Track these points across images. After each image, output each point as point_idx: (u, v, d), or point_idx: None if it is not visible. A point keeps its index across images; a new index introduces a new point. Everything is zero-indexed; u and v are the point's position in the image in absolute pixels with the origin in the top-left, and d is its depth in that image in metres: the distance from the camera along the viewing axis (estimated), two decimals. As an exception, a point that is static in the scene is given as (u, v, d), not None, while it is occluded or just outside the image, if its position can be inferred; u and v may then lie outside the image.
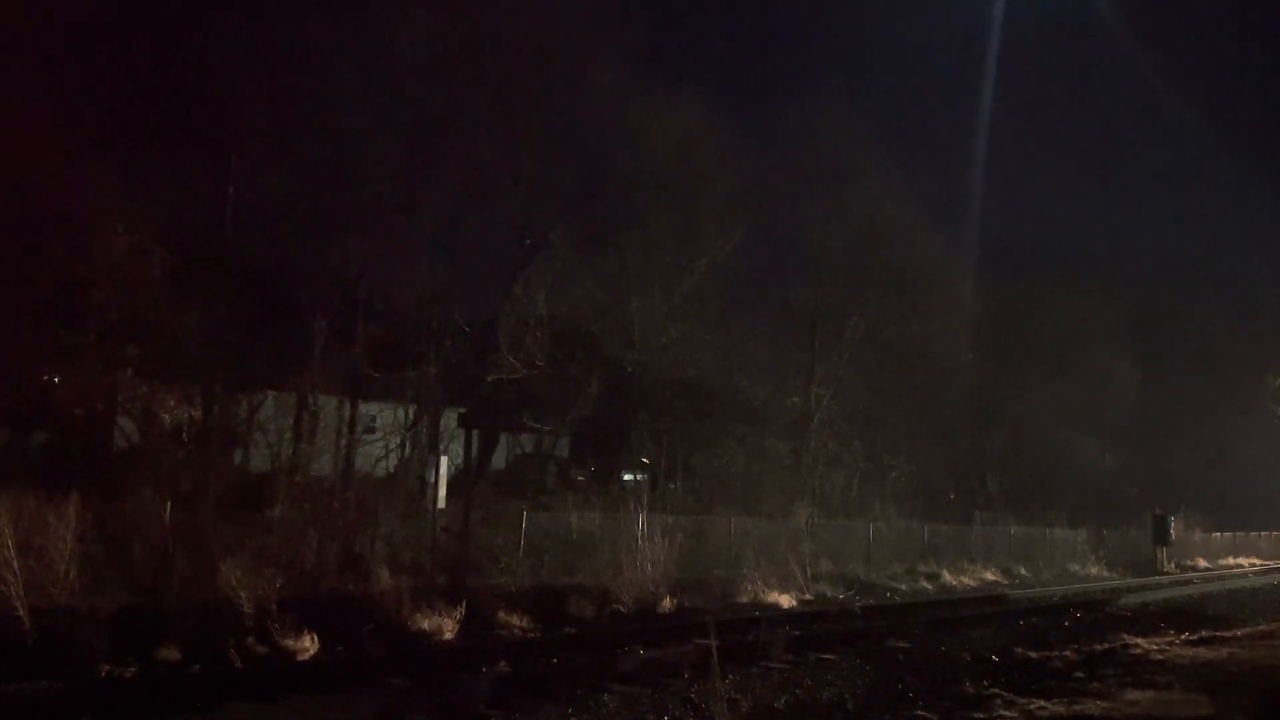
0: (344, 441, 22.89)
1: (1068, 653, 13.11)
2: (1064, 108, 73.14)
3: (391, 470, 23.80)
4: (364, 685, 10.38)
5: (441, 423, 25.37)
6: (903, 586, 24.17)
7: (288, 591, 13.35)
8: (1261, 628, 16.57)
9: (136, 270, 19.48)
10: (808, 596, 20.44)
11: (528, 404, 26.56)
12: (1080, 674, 11.46)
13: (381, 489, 20.97)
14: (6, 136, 17.86)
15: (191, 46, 21.15)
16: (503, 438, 29.62)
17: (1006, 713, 9.30)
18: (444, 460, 17.84)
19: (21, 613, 11.45)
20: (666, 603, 17.22)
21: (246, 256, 21.64)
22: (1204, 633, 15.28)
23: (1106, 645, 13.80)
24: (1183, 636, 14.86)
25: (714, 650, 9.65)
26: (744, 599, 18.95)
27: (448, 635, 13.63)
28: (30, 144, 17.83)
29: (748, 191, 28.32)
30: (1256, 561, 42.78)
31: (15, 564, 11.75)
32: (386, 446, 24.27)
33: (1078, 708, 9.33)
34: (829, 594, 21.31)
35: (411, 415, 24.49)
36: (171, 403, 19.36)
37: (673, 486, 26.16)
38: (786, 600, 19.28)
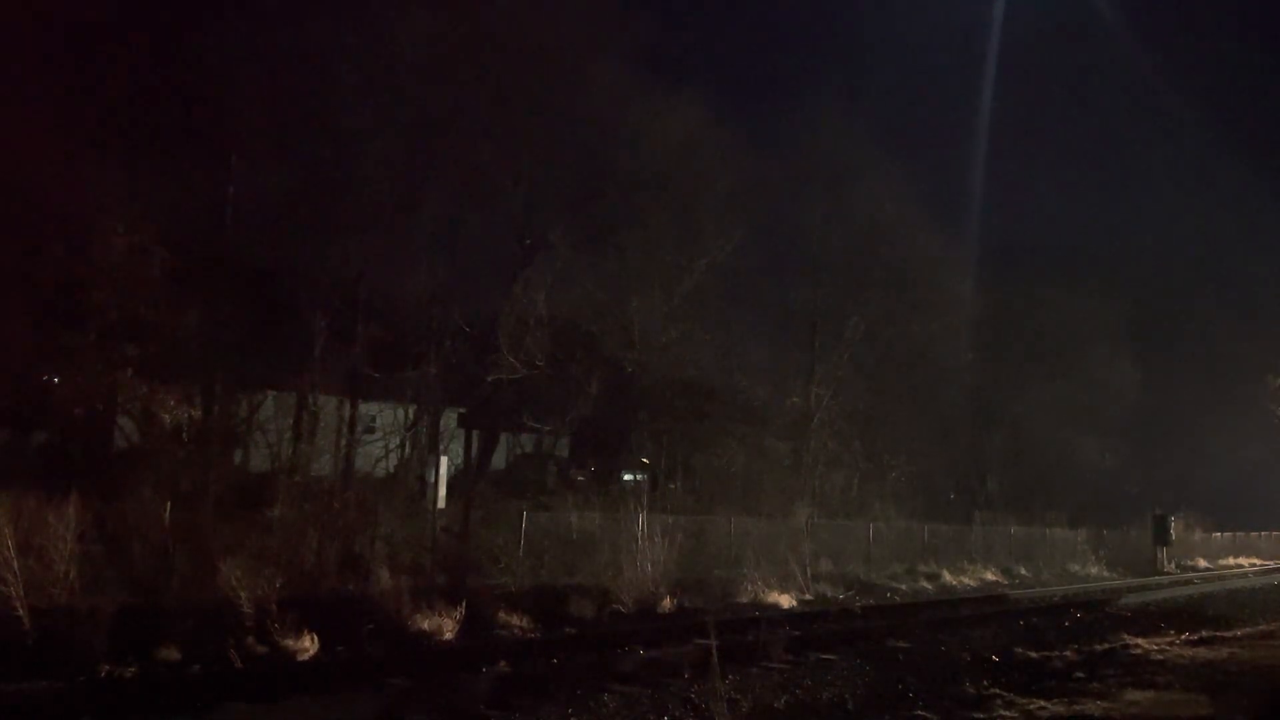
0: (344, 441, 22.91)
1: (1068, 653, 13.11)
2: (1064, 108, 73.22)
3: (391, 470, 23.80)
4: (364, 685, 10.38)
5: (441, 423, 25.39)
6: (903, 586, 24.16)
7: (288, 591, 13.34)
8: (1261, 628, 16.57)
9: (136, 270, 19.48)
10: (808, 596, 20.43)
11: (528, 404, 26.57)
12: (1080, 674, 11.46)
13: (381, 489, 20.97)
14: (6, 136, 17.86)
15: (191, 46, 21.15)
16: (503, 438, 29.64)
17: (1006, 713, 9.31)
18: (444, 460, 17.85)
19: (21, 613, 11.45)
20: (666, 603, 17.21)
21: (246, 256, 21.64)
22: (1204, 633, 15.28)
23: (1107, 645, 13.80)
24: (1183, 636, 14.86)
25: (714, 650, 9.65)
26: (744, 599, 18.93)
27: (448, 635, 13.62)
28: (30, 144, 17.82)
29: (748, 191, 28.35)
30: (1256, 561, 42.76)
31: (15, 564, 11.75)
32: (386, 446, 24.28)
33: (1078, 708, 9.33)
34: (829, 594, 21.31)
35: (411, 415, 24.50)
36: (171, 403, 19.35)
37: (673, 486, 26.16)
38: (786, 600, 19.27)
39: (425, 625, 13.68)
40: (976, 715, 9.36)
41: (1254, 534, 47.65)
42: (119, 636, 11.13)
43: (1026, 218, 57.07)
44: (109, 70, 20.18)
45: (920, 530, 29.20)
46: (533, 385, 24.83)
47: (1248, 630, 15.99)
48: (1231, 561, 41.38)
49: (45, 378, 20.36)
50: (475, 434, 29.01)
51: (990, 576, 28.13)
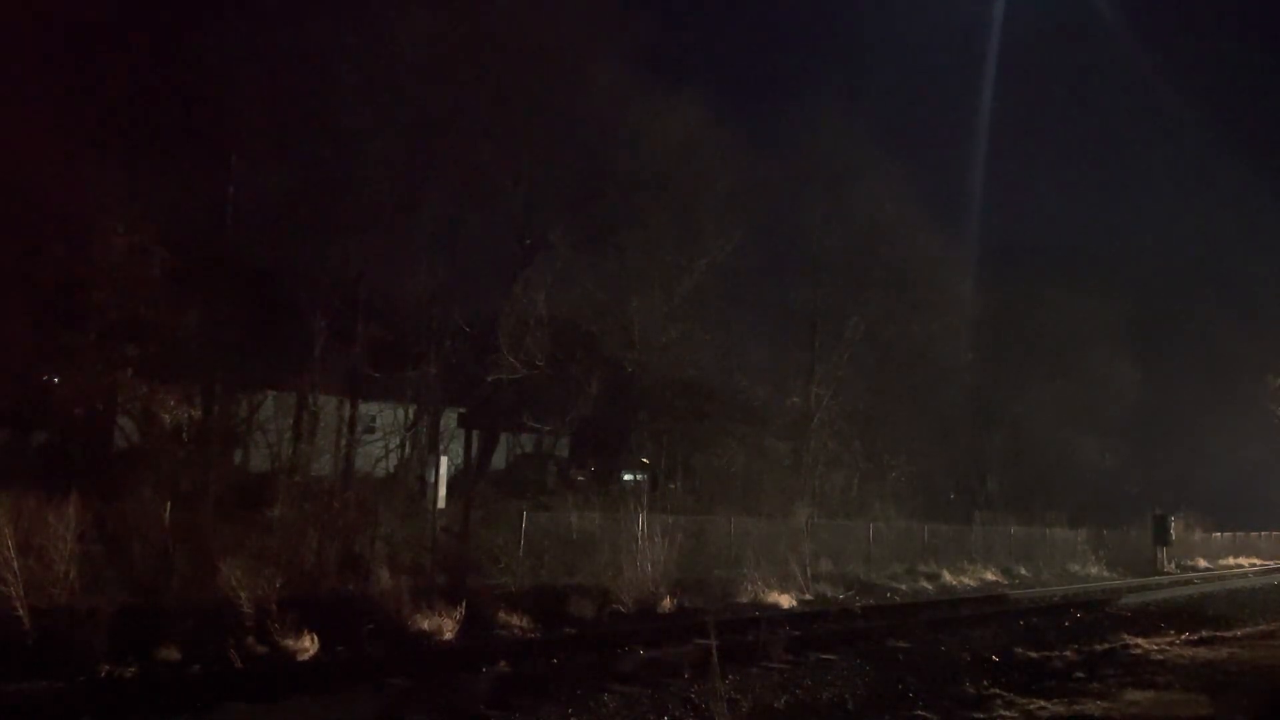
0: (344, 441, 22.91)
1: (1068, 653, 13.11)
2: (1064, 108, 73.26)
3: (391, 470, 23.80)
4: (364, 685, 10.38)
5: (441, 423, 25.39)
6: (903, 586, 24.16)
7: (288, 591, 13.34)
8: (1261, 628, 16.58)
9: (136, 270, 19.49)
10: (808, 596, 20.43)
11: (528, 404, 26.57)
12: (1080, 674, 11.46)
13: (381, 489, 20.97)
14: (7, 136, 17.86)
15: (191, 46, 21.16)
16: (503, 438, 29.63)
17: (1006, 713, 9.31)
18: (444, 460, 17.84)
19: (21, 613, 11.45)
20: (666, 603, 17.21)
21: (246, 256, 21.65)
22: (1204, 633, 15.28)
23: (1107, 645, 13.80)
24: (1183, 636, 14.86)
25: (714, 650, 9.65)
26: (744, 599, 18.93)
27: (448, 635, 13.62)
28: (30, 144, 17.83)
29: (748, 191, 28.35)
30: (1256, 561, 42.76)
31: (15, 564, 11.75)
32: (386, 446, 24.28)
33: (1078, 708, 9.33)
34: (829, 594, 21.30)
35: (411, 415, 24.50)
36: (171, 403, 19.35)
37: (673, 486, 26.16)
38: (786, 600, 19.27)
39: (425, 625, 13.68)
40: (976, 715, 9.36)
41: (1254, 534, 47.65)
42: (119, 636, 11.13)
43: (1026, 218, 57.16)
44: (109, 70, 20.19)
45: (920, 530, 29.20)
46: (533, 385, 24.83)
47: (1248, 630, 15.99)
48: (1231, 561, 41.38)
49: (45, 378, 20.37)
50: (475, 434, 29.01)
51: (990, 576, 28.13)
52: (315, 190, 21.94)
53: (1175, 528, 36.85)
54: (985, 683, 11.17)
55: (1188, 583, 30.20)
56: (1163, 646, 13.47)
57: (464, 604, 14.06)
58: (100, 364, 19.45)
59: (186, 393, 19.94)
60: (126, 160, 19.88)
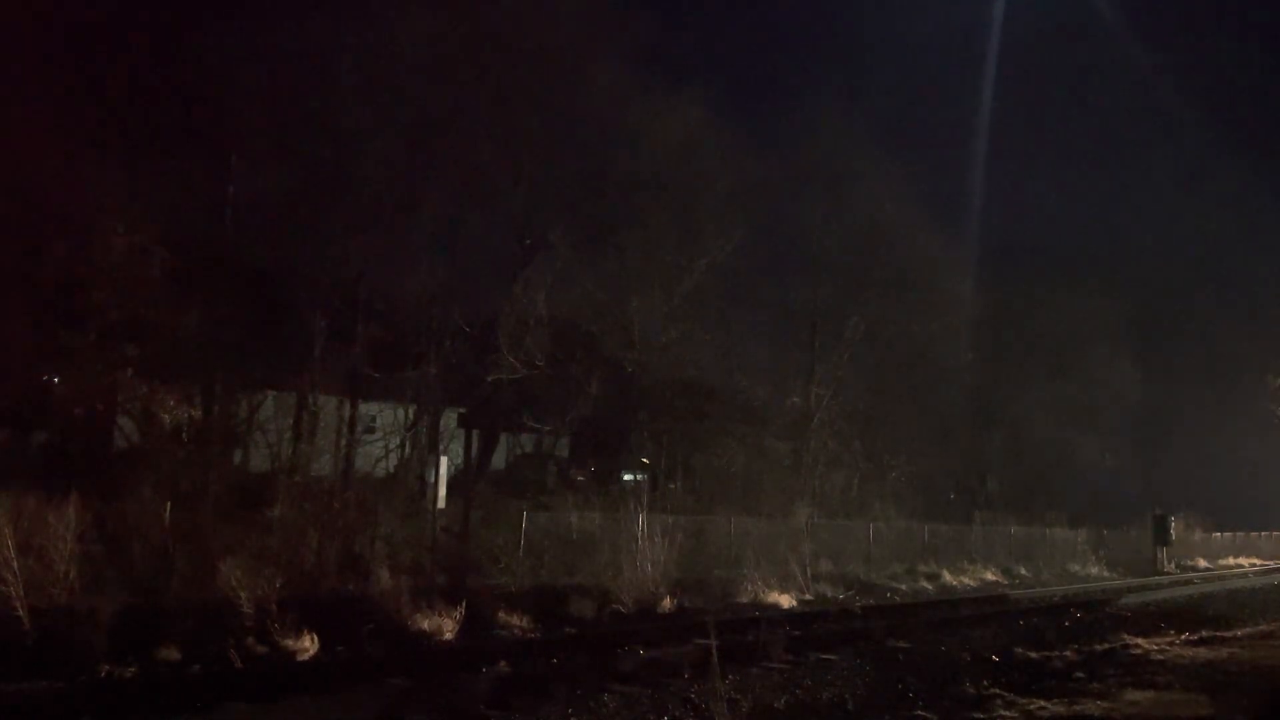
0: (344, 441, 22.91)
1: (1068, 653, 13.10)
2: (1064, 108, 73.18)
3: (391, 470, 23.81)
4: (364, 685, 10.39)
5: (441, 423, 25.39)
6: (903, 586, 24.16)
7: (288, 591, 13.35)
8: (1262, 628, 16.56)
9: (136, 270, 19.50)
10: (808, 596, 20.43)
11: (528, 404, 26.58)
12: (1080, 674, 11.45)
13: (381, 489, 20.98)
14: (7, 136, 17.87)
15: (191, 46, 21.18)
16: (503, 438, 29.64)
17: (1006, 713, 9.30)
18: (444, 460, 17.84)
19: (21, 613, 11.46)
20: (666, 603, 17.21)
21: (246, 256, 21.67)
22: (1204, 633, 15.27)
23: (1107, 645, 13.79)
24: (1183, 636, 14.85)
25: (714, 650, 9.65)
26: (744, 599, 18.93)
27: (448, 635, 13.62)
28: (30, 144, 17.84)
29: (748, 191, 28.35)
30: (1257, 561, 42.76)
31: (15, 564, 11.76)
32: (386, 446, 24.28)
33: (1078, 708, 9.33)
34: (829, 594, 21.31)
35: (411, 415, 24.51)
36: (171, 403, 19.37)
37: (673, 486, 26.16)
38: (786, 600, 19.27)
39: (425, 625, 13.68)
40: (976, 715, 9.35)
41: (1254, 534, 47.66)
42: (119, 636, 11.14)
43: (1026, 218, 56.97)
44: (109, 70, 20.21)
45: (920, 530, 29.21)
46: (533, 385, 24.84)
47: (1248, 630, 15.98)
48: (1231, 561, 41.38)
49: (45, 378, 20.37)
50: (475, 434, 29.00)
51: (990, 576, 28.13)
52: (315, 190, 21.94)
53: (1175, 528, 36.86)
54: (985, 683, 11.16)
55: (1188, 583, 30.19)
56: (1163, 646, 13.46)
57: (464, 604, 14.06)
58: (100, 364, 19.46)
59: (186, 393, 19.96)
60: (126, 160, 19.90)
